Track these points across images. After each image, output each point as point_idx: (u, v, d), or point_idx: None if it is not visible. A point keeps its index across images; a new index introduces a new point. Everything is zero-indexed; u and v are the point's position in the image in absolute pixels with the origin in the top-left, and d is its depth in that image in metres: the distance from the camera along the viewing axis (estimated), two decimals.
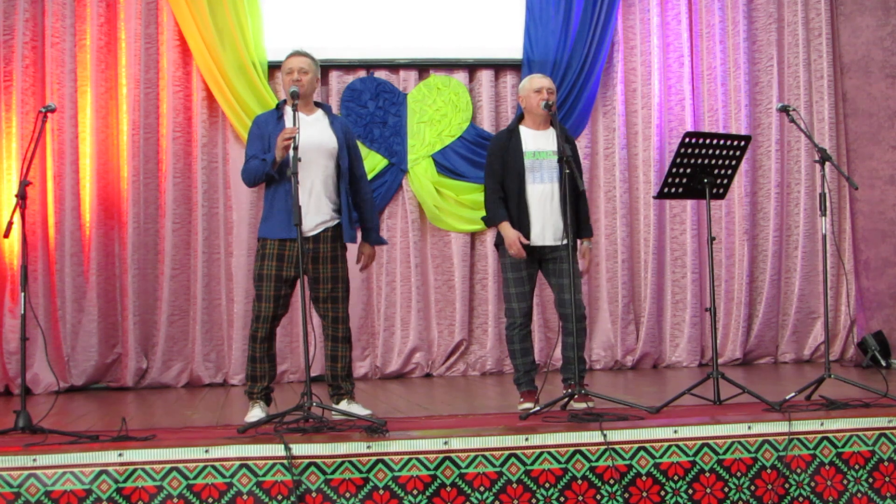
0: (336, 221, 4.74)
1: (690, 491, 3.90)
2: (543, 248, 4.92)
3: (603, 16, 7.56)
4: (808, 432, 4.03)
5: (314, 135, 4.65)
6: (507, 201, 4.94)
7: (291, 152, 4.28)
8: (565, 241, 4.79)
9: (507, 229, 4.86)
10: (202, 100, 7.16)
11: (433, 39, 7.48)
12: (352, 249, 4.91)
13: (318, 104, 4.88)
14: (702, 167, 4.80)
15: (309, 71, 4.72)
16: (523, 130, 4.99)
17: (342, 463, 3.69)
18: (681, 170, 4.79)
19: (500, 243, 5.00)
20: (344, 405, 4.71)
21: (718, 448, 3.95)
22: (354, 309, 7.23)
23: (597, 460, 3.85)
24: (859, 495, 4.01)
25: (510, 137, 4.97)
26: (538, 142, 4.95)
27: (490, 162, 4.98)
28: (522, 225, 4.88)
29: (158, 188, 7.12)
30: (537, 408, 4.50)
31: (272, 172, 4.59)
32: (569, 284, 4.75)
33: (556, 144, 4.89)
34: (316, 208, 4.65)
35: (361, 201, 4.89)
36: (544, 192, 4.90)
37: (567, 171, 4.59)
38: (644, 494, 3.86)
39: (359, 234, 4.93)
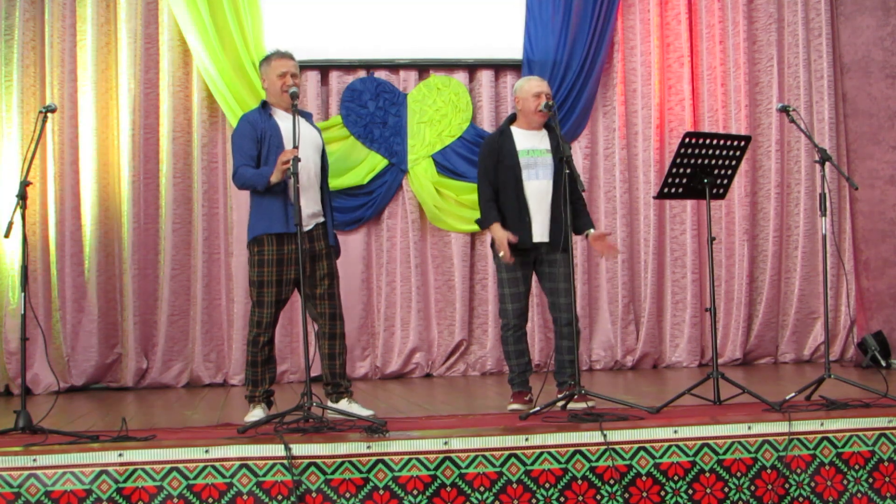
0: (324, 219, 4.80)
1: (690, 491, 3.90)
2: (540, 247, 4.91)
3: (603, 16, 7.56)
4: (808, 432, 4.03)
5: (304, 131, 4.68)
6: (503, 202, 4.91)
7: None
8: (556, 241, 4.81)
9: (497, 231, 4.83)
10: (202, 100, 7.16)
11: (433, 39, 7.48)
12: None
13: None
14: (702, 167, 4.80)
15: (297, 73, 4.79)
16: (515, 131, 4.98)
17: (342, 463, 3.69)
18: (681, 170, 4.79)
19: (493, 244, 5.00)
20: (344, 405, 4.70)
21: (718, 448, 3.95)
22: (355, 309, 7.25)
23: (597, 460, 3.85)
24: (859, 495, 4.01)
25: (501, 139, 4.95)
26: (531, 141, 4.95)
27: (483, 164, 4.96)
28: (523, 223, 4.86)
29: (158, 188, 7.12)
30: (537, 408, 4.50)
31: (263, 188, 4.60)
32: (562, 289, 4.78)
33: (551, 144, 4.91)
34: (312, 201, 4.69)
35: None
36: (541, 189, 4.89)
37: (567, 171, 4.59)
38: (644, 494, 3.86)
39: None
